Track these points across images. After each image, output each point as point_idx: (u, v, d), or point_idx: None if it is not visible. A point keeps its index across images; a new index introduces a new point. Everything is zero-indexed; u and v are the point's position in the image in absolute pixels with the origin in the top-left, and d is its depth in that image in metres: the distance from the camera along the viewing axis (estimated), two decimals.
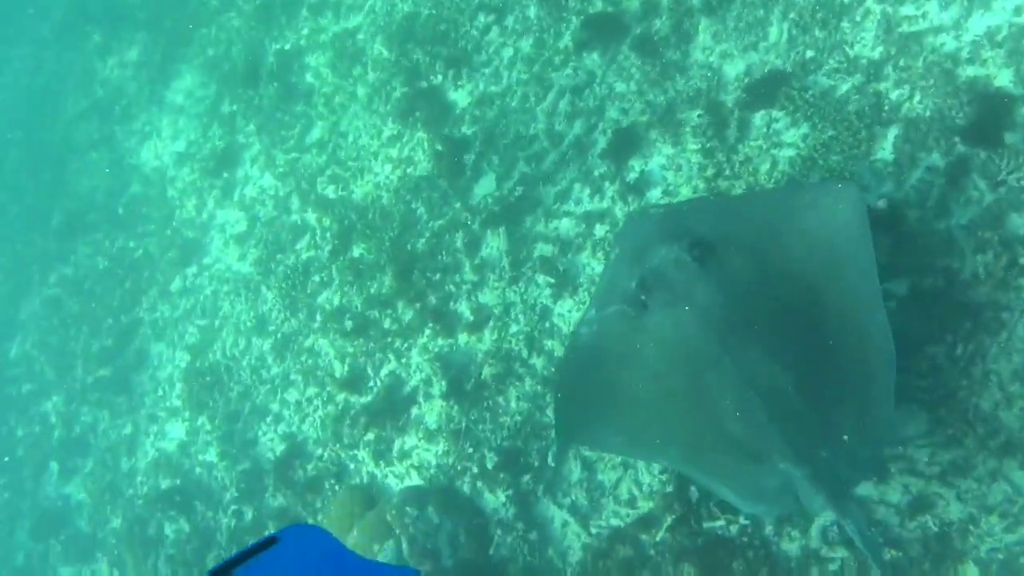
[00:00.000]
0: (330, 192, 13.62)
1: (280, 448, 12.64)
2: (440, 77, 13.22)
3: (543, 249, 11.31)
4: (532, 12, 12.69)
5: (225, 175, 15.35)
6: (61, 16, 22.03)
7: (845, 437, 7.20)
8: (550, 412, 10.14)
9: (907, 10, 9.77)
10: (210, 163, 15.67)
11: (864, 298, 7.41)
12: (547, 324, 10.95)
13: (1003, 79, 8.86)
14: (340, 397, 12.27)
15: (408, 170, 12.91)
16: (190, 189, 15.56)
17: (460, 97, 12.92)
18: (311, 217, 13.67)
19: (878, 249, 7.50)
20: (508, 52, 12.71)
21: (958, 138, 8.80)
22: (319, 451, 12.25)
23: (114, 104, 18.71)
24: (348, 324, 12.46)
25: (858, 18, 10.03)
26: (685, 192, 10.33)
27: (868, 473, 7.82)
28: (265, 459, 12.78)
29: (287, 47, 15.41)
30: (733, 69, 10.79)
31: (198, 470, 13.38)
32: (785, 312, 7.54)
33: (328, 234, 13.33)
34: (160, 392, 14.78)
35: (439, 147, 12.61)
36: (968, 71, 9.11)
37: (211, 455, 13.36)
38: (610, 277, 8.41)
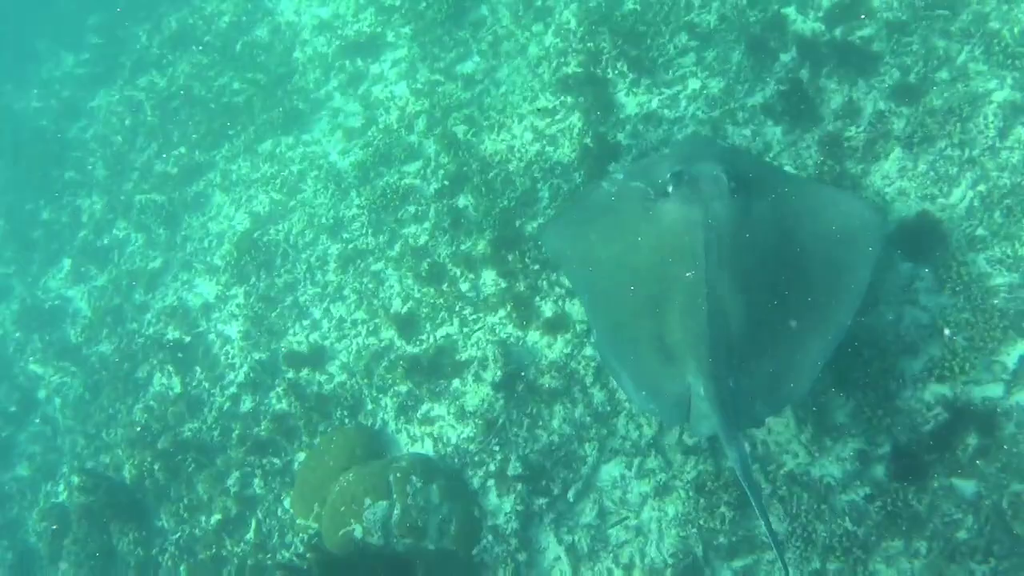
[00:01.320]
0: (460, 132, 13.07)
1: (306, 355, 11.98)
2: (618, 75, 12.62)
3: None
4: (735, 57, 12.18)
5: (360, 63, 14.75)
6: None
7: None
8: (588, 448, 10.05)
9: None
10: (350, 45, 15.00)
11: (840, 302, 8.30)
12: None
13: None
14: (387, 335, 11.85)
15: (548, 148, 12.38)
16: (318, 60, 14.90)
17: (630, 103, 12.38)
18: (431, 147, 13.16)
19: None
20: (695, 84, 12.20)
21: None
22: (343, 376, 11.81)
23: None
24: (425, 268, 12.00)
25: None
26: None
27: (749, 424, 8.34)
28: (286, 356, 12.14)
29: None
30: (903, 209, 10.38)
31: (212, 337, 12.82)
32: (769, 270, 8.37)
33: (441, 172, 12.80)
34: (206, 244, 14.36)
35: (589, 142, 12.02)
36: None
37: (232, 329, 12.87)
38: (650, 163, 9.38)
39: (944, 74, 10.93)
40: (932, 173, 10.38)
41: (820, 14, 11.95)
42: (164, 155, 15.63)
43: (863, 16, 11.56)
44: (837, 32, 11.69)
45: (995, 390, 8.87)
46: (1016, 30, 10.81)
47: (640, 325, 8.48)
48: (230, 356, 12.77)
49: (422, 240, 12.39)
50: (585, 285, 9.12)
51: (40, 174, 17.40)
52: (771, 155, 11.01)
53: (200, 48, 16.82)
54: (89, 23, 20.32)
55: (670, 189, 8.58)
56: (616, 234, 9.01)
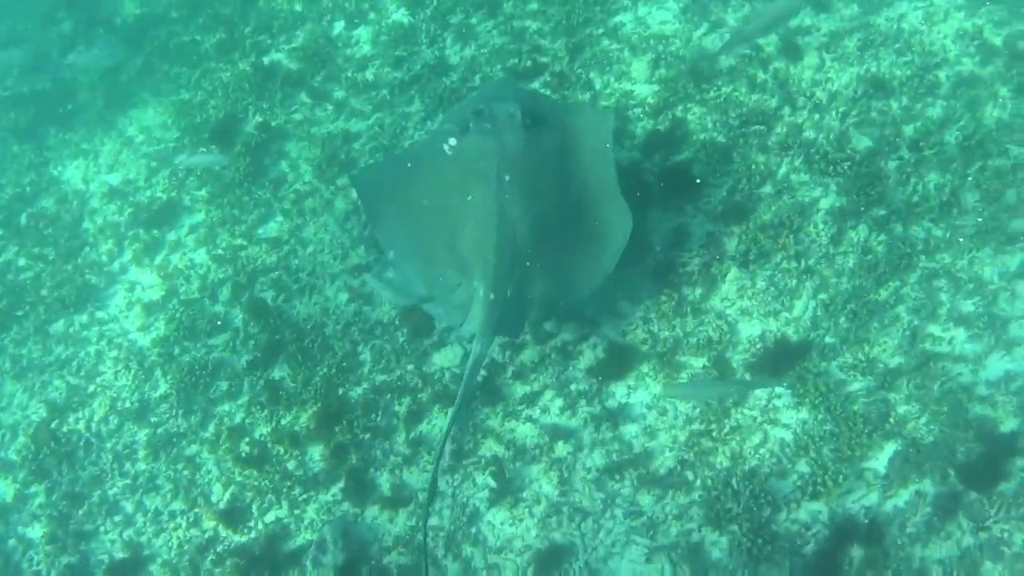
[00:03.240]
0: (268, 297, 12.09)
1: (119, 555, 10.92)
2: None
3: (494, 448, 10.20)
4: None
5: (155, 232, 13.47)
6: None
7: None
8: None
9: (935, 329, 9.79)
10: (143, 212, 13.81)
11: (608, 221, 9.78)
12: (473, 529, 9.85)
13: (1009, 426, 8.95)
14: (210, 525, 10.73)
15: (366, 308, 11.58)
16: (110, 231, 13.65)
17: None
18: (238, 316, 12.07)
19: None
20: None
21: (954, 472, 8.78)
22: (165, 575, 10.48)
23: (61, 101, 16.69)
24: (245, 449, 10.99)
25: (887, 321, 9.86)
26: (664, 439, 9.85)
27: (509, 333, 9.87)
28: (98, 561, 11.01)
29: (272, 123, 13.86)
30: (748, 330, 10.26)
31: (12, 543, 11.28)
32: (554, 196, 9.66)
33: (252, 343, 11.80)
34: None
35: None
36: (979, 408, 9.13)
37: (35, 532, 11.26)
38: (460, 107, 10.64)
39: (768, 188, 10.94)
40: (772, 288, 10.30)
41: (636, 142, 11.71)
42: None
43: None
44: (655, 159, 11.51)
45: (871, 497, 8.77)
46: (831, 136, 10.99)
47: (440, 243, 9.69)
48: (35, 563, 11.27)
49: (238, 418, 11.35)
50: (397, 226, 10.08)
51: None
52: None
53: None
54: None
55: (471, 125, 9.70)
56: (426, 174, 10.06)
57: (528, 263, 9.43)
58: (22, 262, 14.11)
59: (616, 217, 9.73)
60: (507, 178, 9.44)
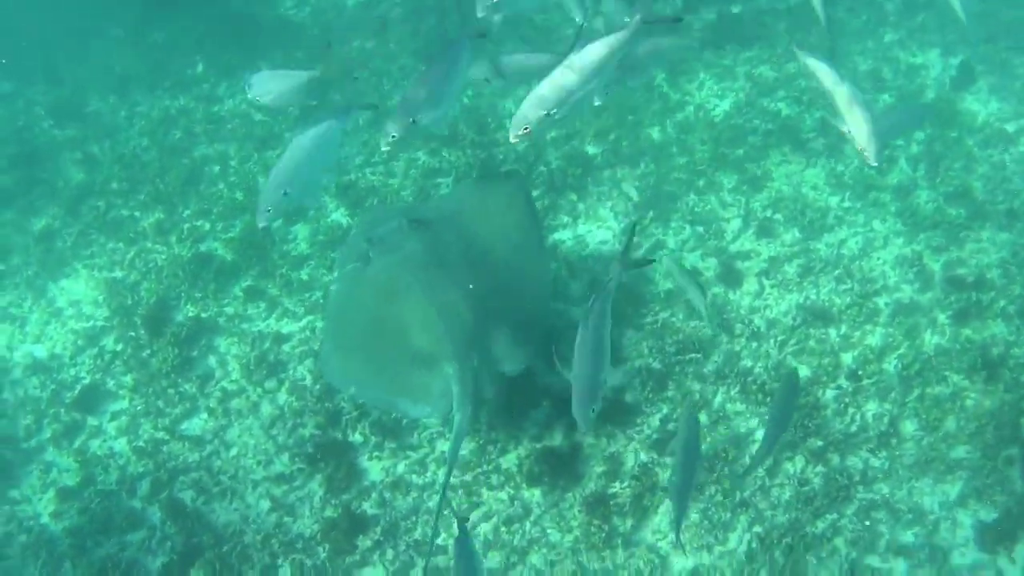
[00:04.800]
0: (188, 498, 11.53)
1: None
2: (359, 437, 11.64)
3: None
4: (484, 417, 11.42)
5: (76, 415, 12.71)
6: None
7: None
8: None
9: (874, 561, 9.70)
10: (65, 392, 13.20)
11: (528, 258, 11.03)
12: None
13: None
14: None
15: (287, 519, 11.12)
16: (30, 406, 12.99)
17: (373, 469, 11.39)
18: (156, 514, 11.46)
19: None
20: (444, 445, 11.35)
21: None
22: None
23: None
24: None
25: (824, 555, 9.80)
26: None
27: (487, 394, 10.30)
28: None
29: (203, 315, 13.34)
30: (680, 565, 9.94)
31: None
32: (472, 270, 10.49)
33: (169, 544, 11.24)
34: None
35: (332, 514, 10.98)
36: None
37: None
38: (350, 246, 11.41)
39: (704, 418, 10.66)
40: (706, 522, 10.00)
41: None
42: None
43: None
44: None
45: None
46: (768, 364, 10.92)
47: (395, 359, 10.16)
48: None
49: None
50: (349, 367, 10.55)
51: None
52: (533, 518, 10.51)
53: None
54: None
55: (371, 255, 10.53)
56: (356, 314, 10.64)
57: (478, 330, 10.09)
58: None
59: (535, 252, 11.16)
60: (424, 276, 10.22)
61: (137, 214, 15.75)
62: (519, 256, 10.99)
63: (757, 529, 10.08)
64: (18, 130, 19.05)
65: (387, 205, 12.58)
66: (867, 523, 9.96)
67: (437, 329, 9.92)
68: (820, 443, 10.59)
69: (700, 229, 12.91)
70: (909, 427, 10.63)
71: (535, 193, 13.30)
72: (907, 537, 9.83)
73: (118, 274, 14.84)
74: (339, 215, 14.75)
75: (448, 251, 10.68)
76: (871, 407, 10.87)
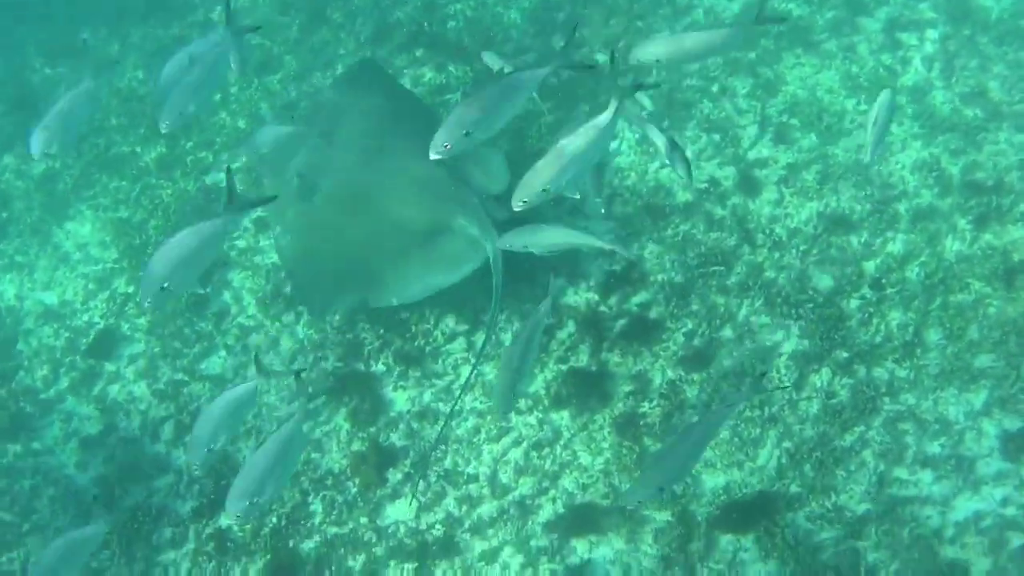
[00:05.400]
0: None
1: None
2: (382, 367, 11.58)
3: None
4: (507, 337, 11.42)
5: (92, 360, 12.65)
6: None
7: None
8: None
9: (902, 473, 9.59)
10: (80, 338, 13.16)
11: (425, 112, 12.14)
12: None
13: (980, 567, 8.81)
14: None
15: (315, 456, 11.02)
16: (46, 355, 12.95)
17: (399, 397, 11.30)
18: (182, 458, 11.36)
19: None
20: (465, 370, 11.27)
21: None
22: None
23: None
24: None
25: (852, 468, 9.60)
26: None
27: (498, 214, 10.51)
28: None
29: None
30: (712, 481, 9.91)
31: None
32: (394, 143, 11.01)
33: (197, 488, 11.24)
34: None
35: (361, 447, 10.90)
36: (949, 552, 8.96)
37: None
38: (274, 191, 10.86)
39: (728, 332, 10.64)
40: (736, 439, 9.91)
41: (592, 283, 11.35)
42: None
43: None
44: (612, 301, 11.15)
45: None
46: (792, 276, 10.78)
47: (410, 248, 10.61)
48: None
49: (184, 569, 10.70)
50: (375, 286, 10.66)
51: None
52: (563, 441, 10.44)
53: None
54: None
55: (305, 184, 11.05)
56: (340, 243, 11.01)
57: (454, 177, 10.73)
58: None
59: (424, 108, 12.35)
60: (377, 169, 11.00)
61: (138, 149, 15.47)
62: (421, 115, 11.66)
63: (786, 444, 10.03)
64: (15, 70, 18.61)
65: (255, 140, 11.43)
66: (894, 435, 9.86)
67: (425, 198, 10.53)
68: (846, 354, 10.46)
69: (716, 137, 12.67)
70: (933, 336, 10.47)
71: (547, 105, 13.06)
72: (933, 448, 9.73)
73: (124, 213, 14.61)
74: None
75: (369, 141, 11.10)
76: (895, 316, 10.71)
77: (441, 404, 11.06)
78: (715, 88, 13.28)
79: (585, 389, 10.73)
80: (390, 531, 10.43)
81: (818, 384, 10.38)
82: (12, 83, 18.44)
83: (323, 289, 10.84)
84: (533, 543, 9.98)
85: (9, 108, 17.62)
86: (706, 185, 12.07)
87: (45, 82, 18.11)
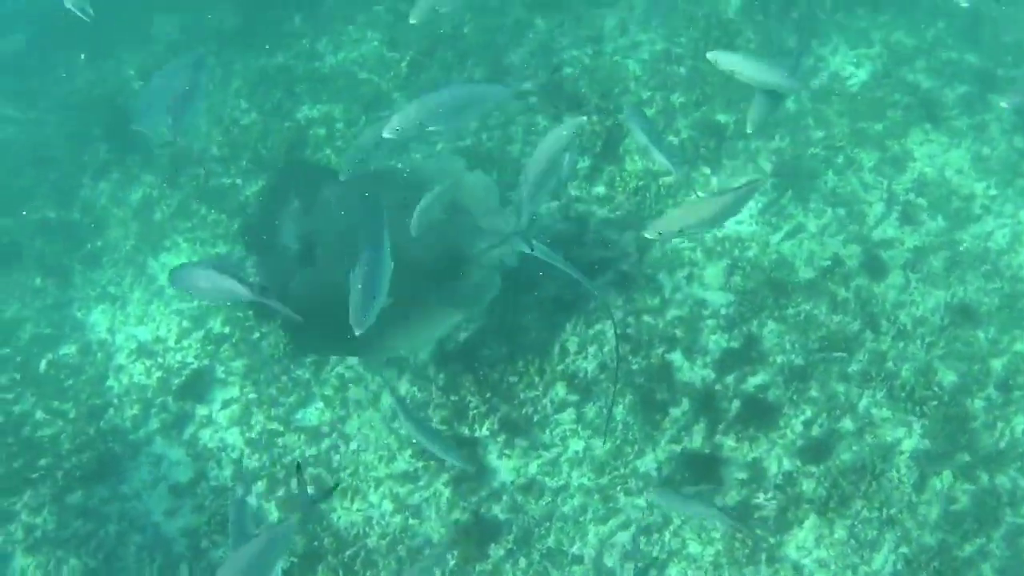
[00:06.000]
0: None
1: None
2: (485, 432, 11.19)
3: None
4: (619, 411, 11.04)
5: (184, 403, 12.28)
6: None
7: None
8: None
9: None
10: (173, 378, 12.85)
11: None
12: None
13: None
14: None
15: (412, 522, 10.83)
16: (137, 394, 12.69)
17: (504, 468, 11.02)
18: (274, 514, 11.23)
19: None
20: (577, 444, 11.01)
21: None
22: None
23: (90, 235, 15.66)
24: None
25: None
26: None
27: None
28: None
29: None
30: None
31: None
32: None
33: (288, 547, 10.27)
34: None
35: (462, 517, 10.62)
36: None
37: None
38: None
39: (849, 424, 10.35)
40: (852, 540, 9.62)
41: (709, 360, 11.04)
42: None
43: None
44: (729, 380, 10.84)
45: None
46: (916, 368, 10.45)
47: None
48: None
49: None
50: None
51: None
52: (673, 527, 10.12)
53: None
54: None
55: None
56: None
57: None
58: (39, 416, 13.17)
59: None
60: None
61: (239, 182, 15.23)
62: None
63: (904, 550, 9.75)
64: (110, 94, 18.53)
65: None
66: (1014, 550, 9.58)
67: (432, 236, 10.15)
68: (968, 458, 10.15)
69: (841, 212, 12.29)
70: None
71: None
72: None
73: (222, 248, 14.31)
74: None
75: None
76: (1020, 422, 10.36)
77: (548, 479, 10.82)
78: (840, 159, 12.90)
79: (698, 473, 10.43)
80: None
81: (938, 487, 10.06)
82: (108, 106, 18.31)
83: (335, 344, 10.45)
84: None
85: (105, 132, 17.48)
86: (829, 263, 11.58)
87: None
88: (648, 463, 10.59)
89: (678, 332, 11.35)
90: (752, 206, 12.50)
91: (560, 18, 15.80)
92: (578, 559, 10.23)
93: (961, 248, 11.76)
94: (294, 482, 8.86)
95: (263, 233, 11.03)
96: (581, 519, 10.25)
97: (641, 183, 12.79)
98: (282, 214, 10.65)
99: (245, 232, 11.25)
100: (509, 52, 15.67)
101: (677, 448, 10.67)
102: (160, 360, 13.15)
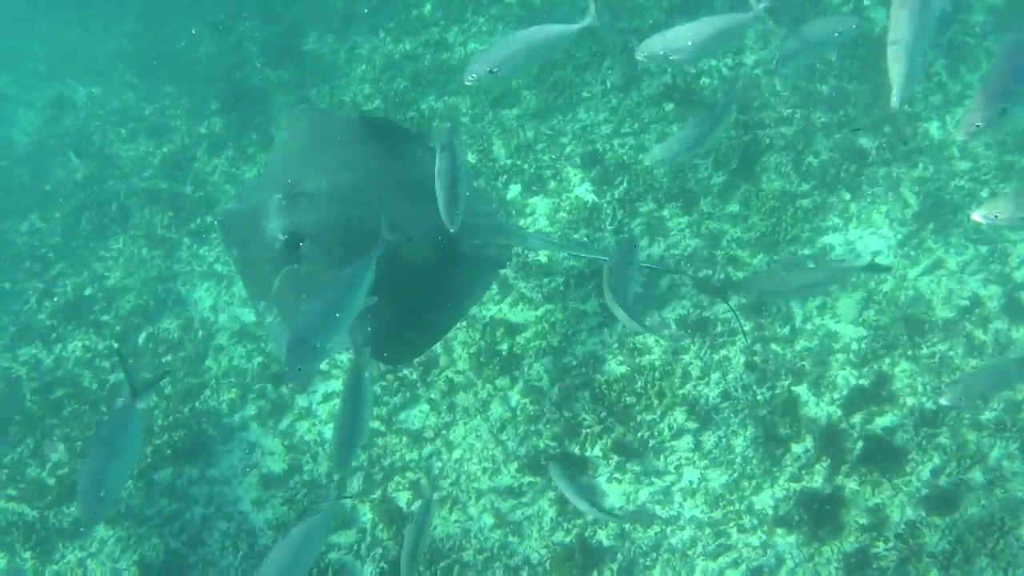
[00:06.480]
0: (403, 500, 10.88)
1: None
2: (597, 453, 10.79)
3: None
4: (739, 443, 10.54)
5: (284, 390, 12.42)
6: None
7: None
8: None
9: None
10: (274, 365, 12.74)
11: None
12: None
13: None
14: None
15: (512, 540, 10.37)
16: (234, 376, 12.45)
17: (613, 492, 10.50)
18: (367, 515, 10.93)
19: None
20: (692, 474, 10.49)
21: None
22: None
23: (199, 209, 15.66)
24: None
25: None
26: None
27: None
28: None
29: None
30: None
31: None
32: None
33: (380, 551, 10.65)
34: None
35: (567, 539, 10.15)
36: None
37: None
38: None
39: (978, 475, 9.59)
40: None
41: (836, 396, 10.45)
42: (40, 458, 12.68)
43: None
44: (856, 420, 10.22)
45: None
46: None
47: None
48: None
49: None
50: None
51: None
52: (786, 569, 9.54)
53: (95, 330, 14.04)
54: None
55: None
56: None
57: None
58: None
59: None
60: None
61: None
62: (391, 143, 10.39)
63: None
64: (229, 68, 18.38)
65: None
66: None
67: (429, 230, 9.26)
68: None
69: (983, 250, 11.59)
70: None
71: (804, 187, 12.63)
72: None
73: None
74: (583, 191, 13.61)
75: (344, 190, 9.65)
76: None
77: (659, 507, 10.25)
78: (985, 193, 12.17)
79: (816, 514, 9.82)
80: None
81: None
82: (226, 79, 18.17)
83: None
84: None
85: (222, 106, 17.33)
86: (968, 303, 10.99)
87: (264, 84, 17.78)
88: (765, 499, 10.03)
89: (806, 364, 10.77)
90: (891, 237, 11.99)
91: None
92: None
93: None
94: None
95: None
96: (690, 553, 9.73)
97: (777, 204, 12.00)
98: (265, 205, 9.42)
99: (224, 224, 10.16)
100: None
101: (796, 486, 10.09)
102: (263, 345, 12.82)
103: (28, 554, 11.56)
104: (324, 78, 17.54)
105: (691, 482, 10.25)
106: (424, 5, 18.11)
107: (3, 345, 14.81)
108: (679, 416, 10.71)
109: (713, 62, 14.75)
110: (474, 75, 8.48)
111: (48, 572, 11.49)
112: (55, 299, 15.12)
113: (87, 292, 15.05)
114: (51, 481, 12.33)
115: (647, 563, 9.90)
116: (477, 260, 9.82)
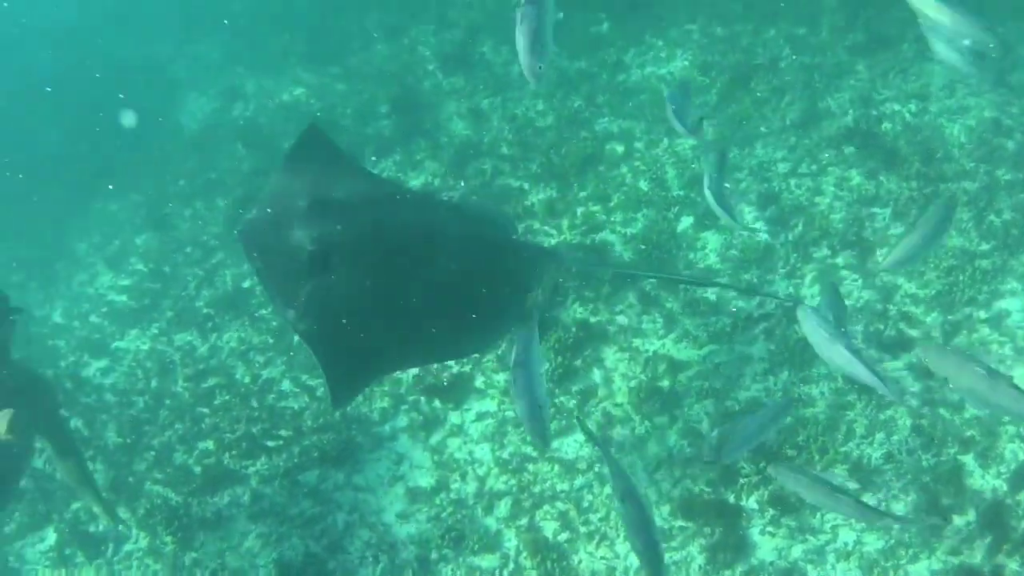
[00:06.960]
0: (550, 531, 10.78)
1: None
2: (753, 504, 10.60)
3: None
4: (899, 508, 10.22)
5: (438, 404, 12.52)
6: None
7: None
8: None
9: None
10: (429, 378, 12.72)
11: None
12: None
13: None
14: None
15: None
16: (390, 387, 12.84)
17: (765, 545, 10.28)
18: (512, 541, 10.83)
19: None
20: (848, 536, 10.20)
21: None
22: None
23: None
24: None
25: None
26: None
27: None
28: None
29: (592, 320, 12.73)
30: None
31: None
32: None
33: None
34: None
35: None
36: None
37: None
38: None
39: None
40: None
41: (1003, 470, 10.08)
42: (188, 445, 12.88)
43: None
44: (1022, 497, 9.83)
45: None
46: None
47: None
48: None
49: None
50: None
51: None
52: None
53: (251, 323, 14.22)
54: (137, 242, 17.65)
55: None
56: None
57: None
58: (286, 386, 13.10)
59: None
60: None
61: (526, 186, 14.97)
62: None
63: None
64: (401, 70, 18.50)
65: None
66: None
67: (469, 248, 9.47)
68: None
69: None
70: None
71: (984, 247, 12.20)
72: None
73: None
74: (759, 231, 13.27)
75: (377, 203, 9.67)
76: None
77: (811, 566, 9.98)
78: None
79: None
80: None
81: None
82: (398, 82, 18.28)
83: (360, 371, 9.07)
84: None
85: (392, 108, 17.44)
86: None
87: (435, 90, 17.86)
88: (921, 570, 9.68)
89: (975, 434, 10.35)
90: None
91: (885, 67, 14.88)
92: None
93: None
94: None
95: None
96: None
97: (955, 262, 11.63)
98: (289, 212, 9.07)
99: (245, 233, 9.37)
100: (826, 96, 14.86)
101: (955, 560, 9.69)
102: None
103: (169, 539, 11.59)
104: (497, 89, 17.53)
105: (846, 543, 9.98)
106: (602, 24, 17.97)
107: (160, 329, 15.05)
108: (840, 474, 10.28)
109: (896, 106, 14.37)
110: None
111: (188, 558, 11.47)
112: (215, 288, 15.29)
113: (245, 284, 15.22)
114: (197, 469, 12.38)
115: None
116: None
